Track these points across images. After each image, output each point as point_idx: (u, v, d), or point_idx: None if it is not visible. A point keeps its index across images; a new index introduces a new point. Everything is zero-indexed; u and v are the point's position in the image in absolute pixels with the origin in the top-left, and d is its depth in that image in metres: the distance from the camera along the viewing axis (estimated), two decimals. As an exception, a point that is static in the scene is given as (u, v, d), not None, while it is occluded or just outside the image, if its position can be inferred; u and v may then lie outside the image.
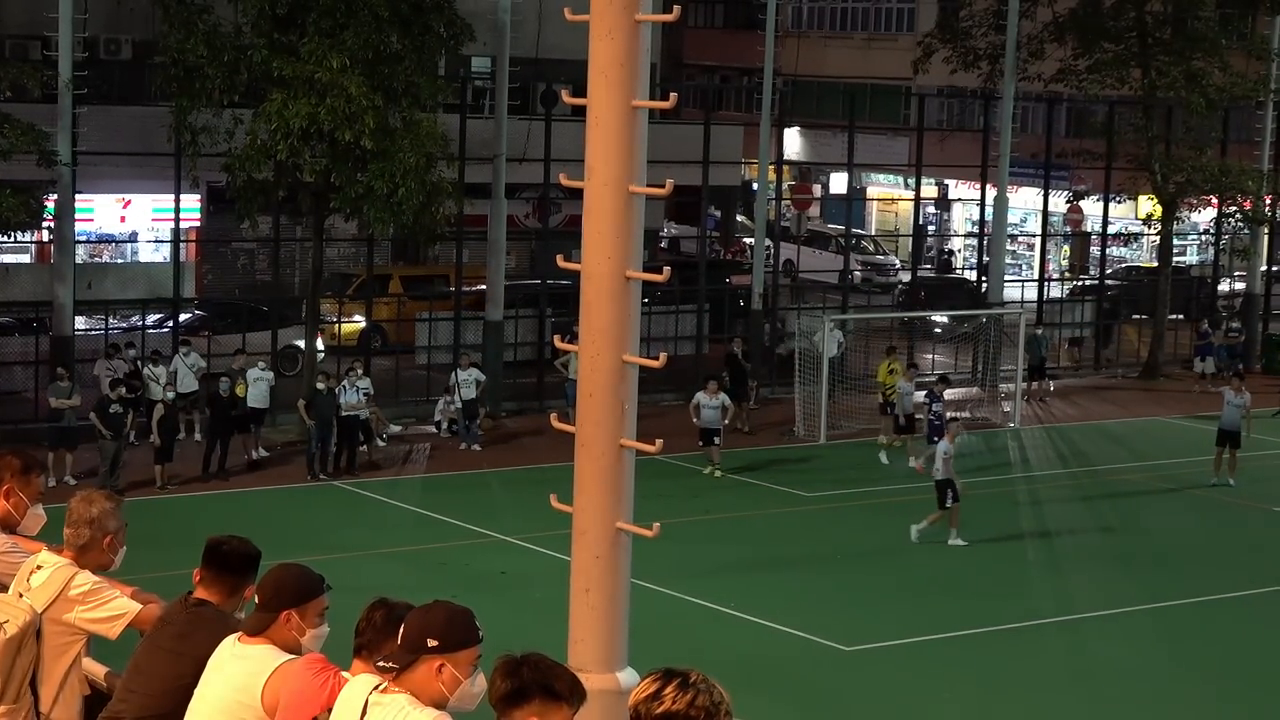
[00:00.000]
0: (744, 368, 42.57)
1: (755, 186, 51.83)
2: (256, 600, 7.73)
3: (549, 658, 6.21)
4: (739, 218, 69.66)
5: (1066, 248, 67.71)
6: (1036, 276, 55.25)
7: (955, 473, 31.88)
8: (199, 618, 8.01)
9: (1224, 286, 58.32)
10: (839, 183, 69.66)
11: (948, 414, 37.07)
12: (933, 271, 65.02)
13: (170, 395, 35.37)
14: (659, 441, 11.56)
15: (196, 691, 7.65)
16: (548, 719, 6.11)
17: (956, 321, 49.91)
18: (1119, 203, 56.18)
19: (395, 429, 39.83)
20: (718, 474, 36.81)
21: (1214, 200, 52.66)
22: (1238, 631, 27.66)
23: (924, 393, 38.75)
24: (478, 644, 6.64)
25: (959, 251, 67.75)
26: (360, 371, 37.59)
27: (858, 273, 59.83)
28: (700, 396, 37.32)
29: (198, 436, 37.51)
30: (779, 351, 46.87)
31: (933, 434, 37.23)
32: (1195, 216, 57.36)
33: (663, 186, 11.42)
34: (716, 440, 37.09)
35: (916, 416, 38.93)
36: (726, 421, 37.44)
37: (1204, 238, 60.68)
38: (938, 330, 49.77)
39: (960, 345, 49.15)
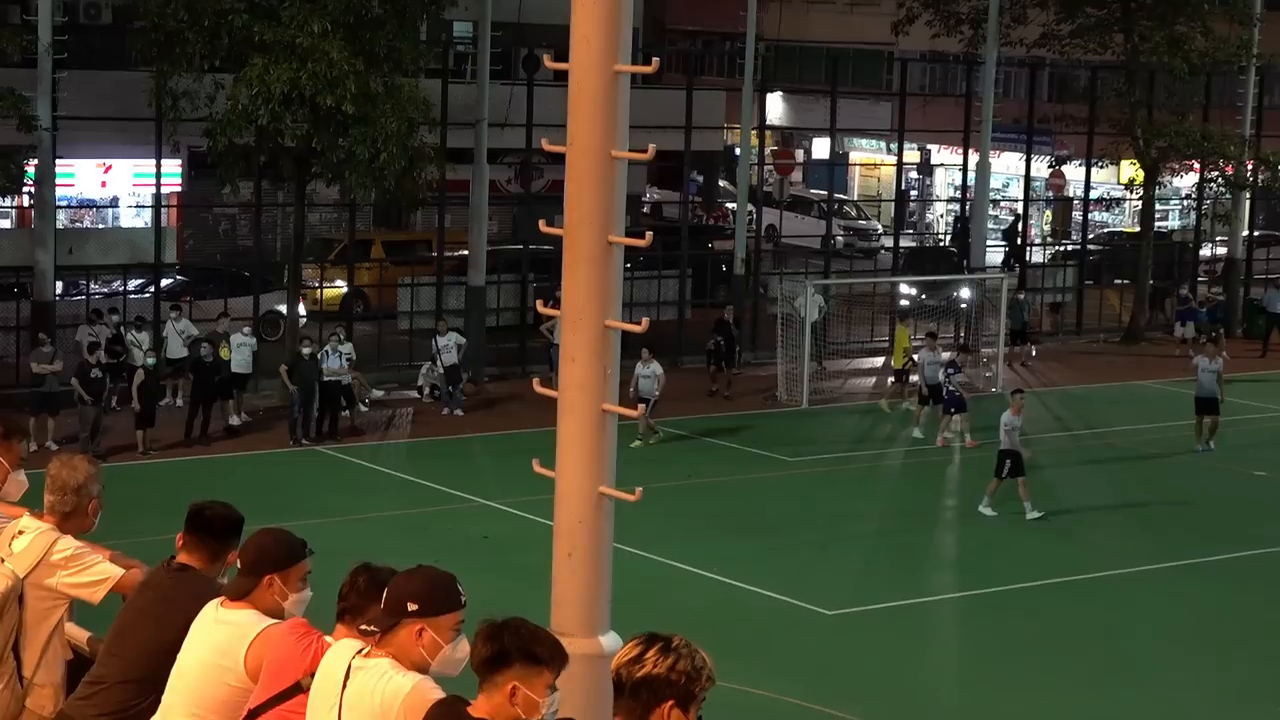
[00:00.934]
0: (734, 334, 42.65)
1: (738, 151, 51.80)
2: (239, 565, 7.74)
3: (530, 622, 6.23)
4: (721, 183, 69.63)
5: (1048, 213, 67.76)
6: (1018, 241, 55.29)
7: (1021, 444, 31.46)
8: (181, 582, 8.02)
9: (1205, 251, 58.38)
10: (821, 148, 69.59)
11: (1012, 387, 35.64)
12: (949, 238, 64.72)
13: (150, 361, 35.28)
14: (641, 406, 11.59)
15: (179, 657, 7.66)
16: (529, 683, 6.13)
17: (926, 291, 49.52)
18: (1101, 168, 56.22)
19: (377, 394, 39.82)
20: (652, 441, 35.68)
21: (1196, 165, 52.72)
22: (1219, 595, 27.79)
23: (946, 358, 37.83)
24: (460, 609, 6.65)
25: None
26: (342, 336, 37.56)
27: (840, 238, 59.83)
28: (638, 365, 35.89)
29: (180, 402, 37.47)
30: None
31: (950, 405, 36.74)
32: (1177, 181, 57.42)
33: (645, 151, 11.41)
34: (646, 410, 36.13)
35: (946, 386, 37.24)
36: (658, 392, 35.96)
37: (1186, 203, 60.74)
38: (904, 303, 49.24)
39: (939, 317, 48.95)
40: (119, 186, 48.93)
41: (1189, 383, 38.46)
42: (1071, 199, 62.82)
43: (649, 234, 11.93)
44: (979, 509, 31.39)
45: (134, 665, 8.01)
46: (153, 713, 7.81)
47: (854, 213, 68.58)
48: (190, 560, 8.09)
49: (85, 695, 8.18)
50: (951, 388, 36.85)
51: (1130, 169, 54.38)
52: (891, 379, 41.58)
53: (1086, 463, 36.08)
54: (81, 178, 47.63)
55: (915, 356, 39.18)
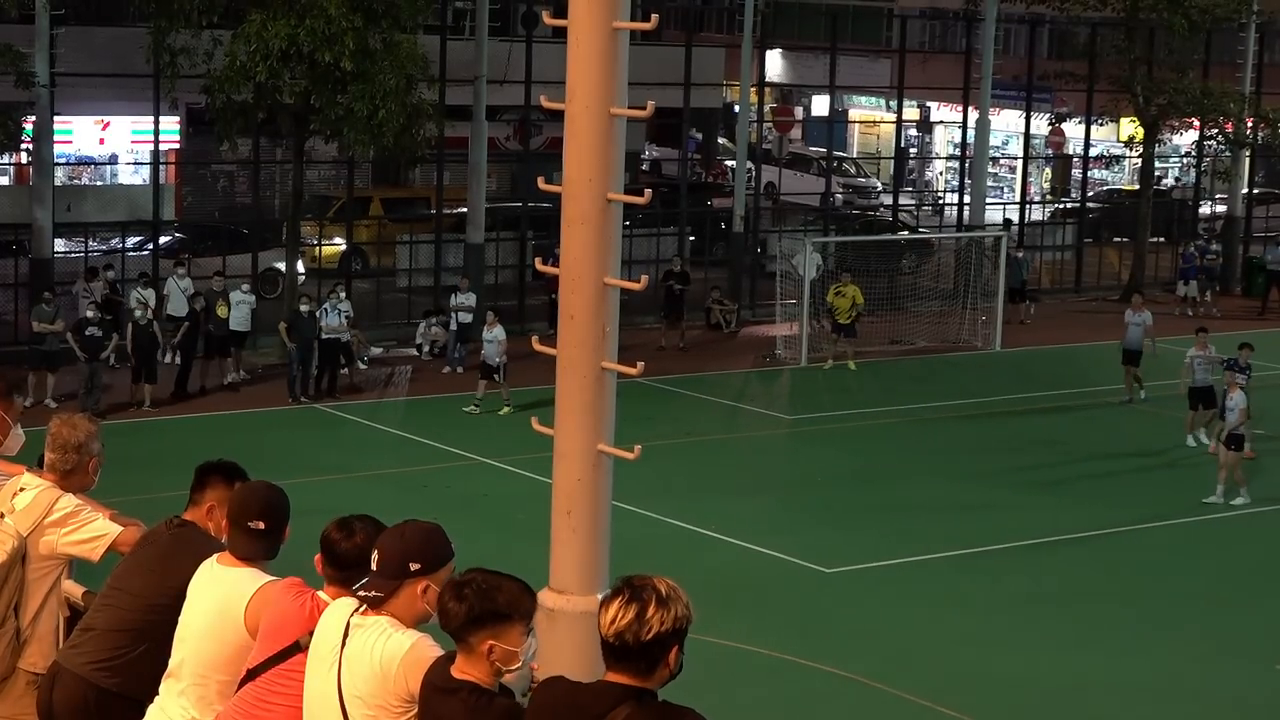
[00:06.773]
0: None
1: (737, 109, 51.69)
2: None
3: (490, 573, 6.25)
4: (720, 140, 69.52)
5: (1048, 170, 67.65)
6: (1018, 199, 55.25)
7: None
8: (181, 538, 8.03)
9: (1205, 209, 58.31)
10: (821, 105, 69.46)
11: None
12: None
13: (142, 315, 34.97)
14: (640, 364, 11.57)
15: (181, 617, 7.67)
16: (504, 637, 6.19)
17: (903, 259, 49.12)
18: (1101, 125, 56.11)
19: (376, 351, 39.82)
20: (503, 411, 34.46)
21: (1195, 122, 52.61)
22: (1216, 553, 27.88)
23: (1224, 361, 32.87)
24: (453, 557, 6.70)
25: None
26: (341, 294, 37.52)
27: (839, 195, 59.76)
28: (483, 330, 35.42)
29: (179, 359, 37.37)
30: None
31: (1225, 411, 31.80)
32: (1177, 139, 57.32)
33: (644, 109, 11.38)
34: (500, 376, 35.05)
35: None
36: (500, 359, 34.88)
37: (1185, 160, 60.64)
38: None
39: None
40: (117, 143, 48.83)
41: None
42: (1071, 156, 62.71)
43: (648, 191, 11.91)
44: (1232, 502, 30.13)
45: (126, 615, 8.03)
46: (143, 662, 7.87)
47: (853, 170, 68.51)
48: (194, 517, 8.12)
49: (75, 643, 8.23)
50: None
51: (1130, 126, 54.24)
52: (835, 335, 41.11)
53: (1083, 418, 36.00)
54: (79, 135, 47.53)
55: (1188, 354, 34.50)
